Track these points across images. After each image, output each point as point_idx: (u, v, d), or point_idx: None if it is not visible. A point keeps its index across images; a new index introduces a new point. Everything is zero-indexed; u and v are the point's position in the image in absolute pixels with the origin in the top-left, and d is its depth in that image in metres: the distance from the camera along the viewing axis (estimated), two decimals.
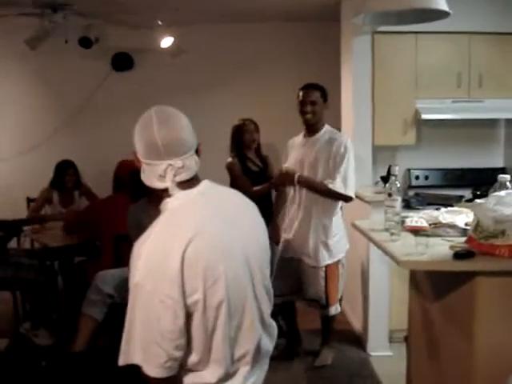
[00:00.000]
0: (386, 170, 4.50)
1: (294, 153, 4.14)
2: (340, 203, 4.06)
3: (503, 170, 5.05)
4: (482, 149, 5.18)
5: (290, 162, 4.12)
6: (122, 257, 4.00)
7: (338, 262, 4.08)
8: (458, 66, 4.73)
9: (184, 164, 1.78)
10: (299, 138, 4.16)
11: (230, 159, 4.74)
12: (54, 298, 4.98)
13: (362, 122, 4.76)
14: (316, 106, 3.91)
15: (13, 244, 5.14)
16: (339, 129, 5.32)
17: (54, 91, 6.34)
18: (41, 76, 6.31)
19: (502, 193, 2.54)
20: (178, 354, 1.65)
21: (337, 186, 3.83)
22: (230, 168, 4.69)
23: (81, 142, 6.25)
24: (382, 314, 4.39)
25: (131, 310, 1.65)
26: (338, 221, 4.09)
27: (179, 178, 1.78)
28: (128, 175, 4.09)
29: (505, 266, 2.44)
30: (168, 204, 1.78)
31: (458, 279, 2.59)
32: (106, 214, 4.23)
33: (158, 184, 1.79)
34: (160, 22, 5.43)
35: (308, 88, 3.96)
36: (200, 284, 1.63)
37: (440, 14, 2.78)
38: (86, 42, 5.82)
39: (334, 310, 4.12)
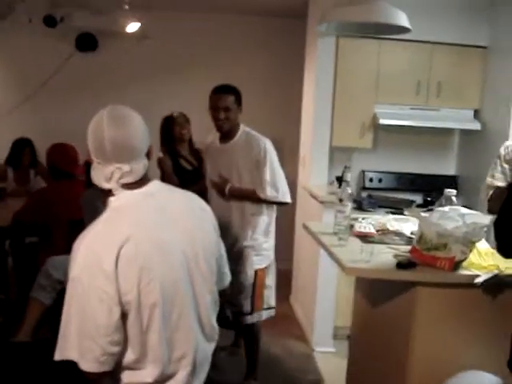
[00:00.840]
0: (341, 170, 4.59)
1: (211, 160, 3.82)
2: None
3: (455, 178, 5.21)
4: (436, 156, 5.32)
5: (210, 172, 3.81)
6: (73, 242, 4.00)
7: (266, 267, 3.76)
8: (418, 75, 4.84)
9: (132, 169, 1.78)
10: (215, 143, 3.75)
11: (160, 154, 4.58)
12: (2, 278, 4.94)
13: (321, 122, 4.84)
14: (230, 112, 3.51)
15: None
16: (298, 128, 5.42)
17: (16, 68, 6.23)
18: (3, 52, 6.19)
19: (446, 208, 2.65)
20: (114, 349, 1.67)
21: (268, 195, 3.55)
22: (160, 164, 4.54)
23: (40, 120, 6.16)
24: (328, 310, 4.51)
25: (68, 304, 1.66)
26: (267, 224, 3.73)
27: (124, 181, 1.79)
28: (66, 161, 4.12)
29: (444, 277, 2.56)
30: (111, 203, 1.80)
31: (399, 287, 2.70)
32: (57, 199, 4.20)
33: (104, 184, 1.80)
34: (127, 6, 5.38)
35: (221, 92, 3.52)
36: (135, 283, 1.66)
37: (401, 29, 2.86)
38: (50, 21, 5.73)
39: (257, 317, 3.74)
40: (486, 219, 2.57)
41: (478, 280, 2.52)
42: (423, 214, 2.70)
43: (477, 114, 4.96)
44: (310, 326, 4.64)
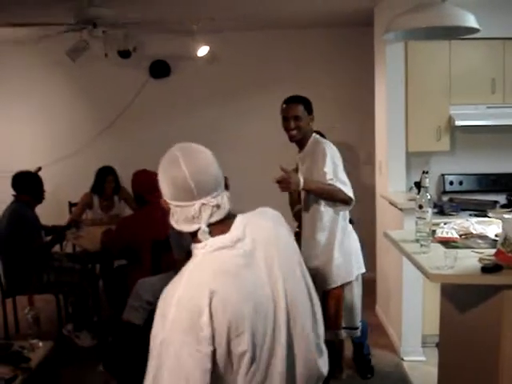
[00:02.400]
0: (419, 175, 4.53)
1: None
2: (339, 218, 3.60)
3: None
4: None
5: None
6: (159, 262, 4.16)
7: (342, 286, 3.64)
8: (492, 72, 4.73)
9: (218, 202, 1.65)
10: (297, 156, 3.79)
11: None
12: (95, 301, 5.16)
13: (395, 128, 4.81)
14: (300, 121, 3.54)
15: (55, 248, 5.34)
16: (372, 136, 5.39)
17: (95, 99, 6.54)
18: (82, 85, 6.51)
19: None
20: None
21: (336, 184, 3.42)
22: None
23: (120, 147, 6.42)
24: (416, 319, 4.44)
25: (158, 369, 1.52)
26: (343, 240, 3.62)
27: (214, 218, 1.65)
28: (149, 189, 4.26)
29: None
30: (198, 250, 1.64)
31: (486, 291, 2.64)
32: (143, 225, 4.36)
33: (187, 227, 1.66)
34: (196, 32, 5.53)
35: (290, 102, 3.60)
36: (224, 336, 1.52)
37: (469, 30, 2.83)
38: (124, 53, 5.98)
39: (333, 335, 3.64)
40: None
41: None
42: (506, 216, 2.65)
43: None
44: (398, 335, 4.58)
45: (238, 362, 1.54)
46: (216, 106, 6.45)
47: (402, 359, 4.45)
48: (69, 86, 6.57)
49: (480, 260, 2.65)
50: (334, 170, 3.44)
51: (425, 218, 2.99)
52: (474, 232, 3.10)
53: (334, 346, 3.75)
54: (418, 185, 4.53)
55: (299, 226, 4.49)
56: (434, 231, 3.10)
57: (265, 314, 1.60)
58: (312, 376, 1.73)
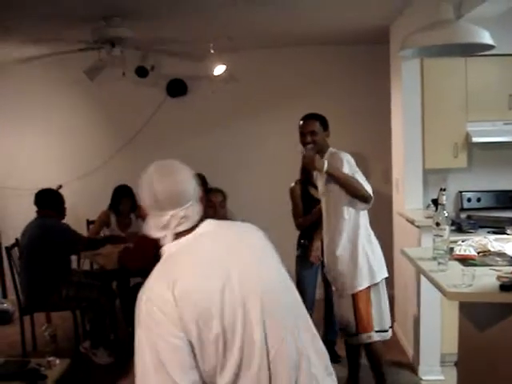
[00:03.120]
0: (437, 193, 4.51)
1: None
2: (362, 219, 3.74)
3: None
4: None
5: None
6: None
7: (368, 288, 3.74)
8: (509, 88, 4.70)
9: (186, 214, 1.84)
10: None
11: (292, 184, 4.78)
12: (112, 319, 5.17)
13: (412, 145, 4.80)
14: (316, 136, 3.76)
15: (72, 265, 5.37)
16: (389, 153, 5.38)
17: (112, 118, 6.61)
18: (100, 103, 6.59)
19: None
20: None
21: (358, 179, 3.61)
22: (290, 193, 4.75)
23: (138, 165, 6.35)
24: (434, 337, 4.39)
25: (141, 358, 1.67)
26: (366, 244, 3.75)
27: (181, 228, 1.84)
28: None
29: None
30: (164, 252, 1.84)
31: (505, 309, 2.62)
32: (157, 243, 4.38)
33: (158, 234, 1.86)
34: (212, 51, 5.59)
35: (307, 119, 3.87)
36: (193, 322, 1.66)
37: (485, 47, 2.83)
38: (142, 72, 6.05)
39: (366, 338, 3.77)
40: None
41: None
42: None
43: None
44: (417, 354, 4.52)
45: (215, 347, 1.66)
46: (233, 124, 6.49)
47: (421, 379, 4.40)
48: (88, 104, 6.65)
49: (498, 278, 2.62)
50: (352, 171, 3.63)
51: (442, 236, 2.98)
52: (492, 249, 3.08)
53: (357, 350, 3.99)
54: (436, 202, 4.48)
55: (303, 236, 4.66)
56: (451, 249, 3.08)
57: (231, 302, 1.70)
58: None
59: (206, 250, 1.83)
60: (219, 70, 6.03)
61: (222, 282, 1.73)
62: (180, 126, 6.50)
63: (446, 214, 3.01)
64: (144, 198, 1.88)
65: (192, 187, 1.89)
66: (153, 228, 1.87)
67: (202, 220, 1.90)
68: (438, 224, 3.00)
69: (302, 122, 3.87)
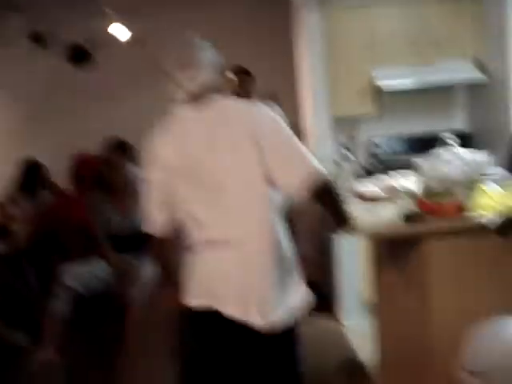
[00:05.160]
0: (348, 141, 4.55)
1: None
2: None
3: (468, 134, 5.05)
4: (445, 114, 5.19)
5: None
6: (83, 249, 4.03)
7: None
8: (413, 33, 4.74)
9: (196, 76, 2.13)
10: None
11: None
12: (26, 297, 4.93)
13: (319, 92, 4.72)
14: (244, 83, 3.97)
15: None
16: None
17: (10, 90, 6.25)
18: None
19: (444, 152, 2.55)
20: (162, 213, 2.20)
21: None
22: None
23: (46, 136, 6.14)
24: (353, 281, 4.36)
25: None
26: None
27: (192, 88, 2.12)
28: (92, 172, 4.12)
29: (452, 224, 2.46)
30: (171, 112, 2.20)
31: (409, 244, 2.60)
32: (65, 212, 4.23)
33: (176, 95, 2.17)
34: (111, 12, 5.35)
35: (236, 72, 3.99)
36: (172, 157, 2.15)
37: None
38: (38, 40, 5.76)
39: None
40: (483, 156, 2.48)
41: (489, 222, 2.41)
42: (423, 162, 2.61)
43: (479, 66, 4.81)
44: (338, 300, 4.51)
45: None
46: (138, 88, 6.22)
47: (342, 324, 4.40)
48: None
49: (400, 211, 2.59)
50: None
51: (342, 173, 2.94)
52: (396, 187, 3.05)
53: None
54: (346, 150, 4.50)
55: None
56: (356, 188, 3.05)
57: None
58: None
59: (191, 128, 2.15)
60: (122, 34, 5.79)
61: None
62: (83, 92, 6.20)
63: (349, 155, 2.97)
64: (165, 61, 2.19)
65: (209, 57, 2.20)
66: (171, 91, 2.18)
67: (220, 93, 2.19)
68: (337, 163, 2.96)
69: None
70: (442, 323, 2.53)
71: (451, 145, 2.61)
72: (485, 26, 4.72)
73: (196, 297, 2.15)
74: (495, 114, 4.71)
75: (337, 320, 4.50)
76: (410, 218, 2.49)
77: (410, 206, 2.64)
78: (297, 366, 2.25)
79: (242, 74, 4.01)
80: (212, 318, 2.09)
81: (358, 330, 4.17)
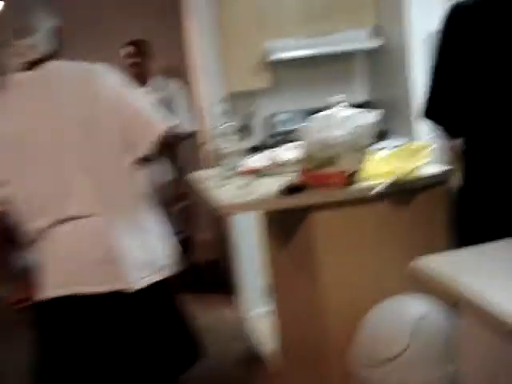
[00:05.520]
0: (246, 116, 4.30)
1: None
2: None
3: (369, 104, 4.88)
4: (344, 86, 4.94)
5: None
6: None
7: None
8: (305, 1, 4.48)
9: (31, 44, 1.98)
10: None
11: None
12: None
13: (210, 69, 4.43)
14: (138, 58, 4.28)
15: None
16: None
17: None
18: None
19: (329, 111, 2.30)
20: None
21: None
22: None
23: None
24: (253, 270, 4.10)
25: None
26: None
27: (27, 58, 1.99)
28: None
29: (336, 195, 2.22)
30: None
31: (296, 219, 2.35)
32: None
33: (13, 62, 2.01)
34: None
35: (130, 44, 4.31)
36: None
37: None
38: None
39: None
40: (372, 117, 2.24)
41: (373, 191, 2.19)
42: (303, 127, 2.35)
43: (376, 33, 4.61)
44: (239, 290, 4.24)
45: None
46: None
47: (244, 315, 4.13)
48: None
49: (282, 184, 2.33)
50: None
51: (226, 147, 2.65)
52: (282, 158, 2.79)
53: None
54: (244, 128, 4.23)
55: None
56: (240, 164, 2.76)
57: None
58: None
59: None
60: None
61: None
62: None
63: (233, 123, 2.68)
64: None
65: (39, 20, 2.01)
66: (12, 58, 2.01)
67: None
68: (224, 135, 2.66)
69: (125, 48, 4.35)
70: (335, 304, 2.30)
71: (340, 106, 2.35)
72: None
73: (54, 286, 1.99)
74: (395, 81, 4.55)
75: (238, 308, 4.23)
76: (290, 190, 2.23)
77: (294, 177, 2.39)
78: (178, 319, 2.21)
79: (138, 45, 4.25)
80: (77, 302, 1.99)
81: (260, 316, 3.92)
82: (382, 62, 4.72)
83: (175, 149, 2.36)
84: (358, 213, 2.24)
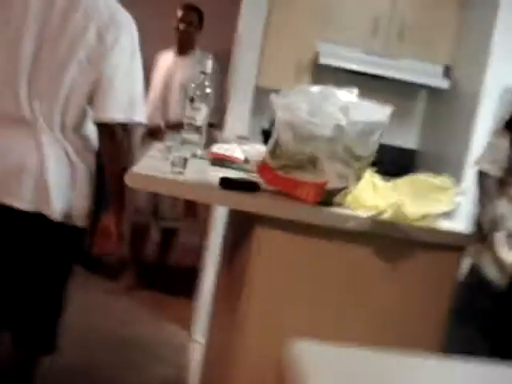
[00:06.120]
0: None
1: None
2: None
3: (413, 153, 4.19)
4: (393, 120, 4.24)
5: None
6: None
7: None
8: (376, 11, 3.82)
9: None
10: (169, 56, 4.19)
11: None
12: None
13: (246, 60, 3.75)
14: (191, 27, 4.08)
15: None
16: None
17: None
18: None
19: (322, 90, 1.63)
20: None
21: None
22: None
23: None
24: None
25: None
26: None
27: None
28: None
29: (298, 213, 1.53)
30: None
31: (242, 226, 1.68)
32: None
33: None
34: None
35: (187, 9, 4.14)
36: None
37: None
38: None
39: None
40: (385, 114, 1.56)
41: (353, 223, 1.50)
42: (275, 99, 1.68)
43: (445, 73, 3.95)
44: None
45: None
46: None
47: (195, 340, 3.42)
48: None
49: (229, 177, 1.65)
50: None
51: (194, 118, 2.01)
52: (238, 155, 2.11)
53: None
54: (266, 132, 3.60)
55: None
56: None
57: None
58: None
59: None
60: None
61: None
62: None
63: (209, 90, 2.05)
64: None
65: None
66: None
67: None
68: (192, 100, 2.02)
69: (181, 11, 4.12)
70: (251, 343, 1.61)
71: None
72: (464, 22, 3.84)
73: None
74: (454, 132, 3.83)
75: (188, 328, 3.54)
76: (231, 184, 1.56)
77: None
78: (66, 259, 2.03)
79: (197, 14, 4.14)
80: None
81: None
82: (444, 107, 4.02)
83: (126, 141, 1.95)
84: (323, 247, 1.55)
